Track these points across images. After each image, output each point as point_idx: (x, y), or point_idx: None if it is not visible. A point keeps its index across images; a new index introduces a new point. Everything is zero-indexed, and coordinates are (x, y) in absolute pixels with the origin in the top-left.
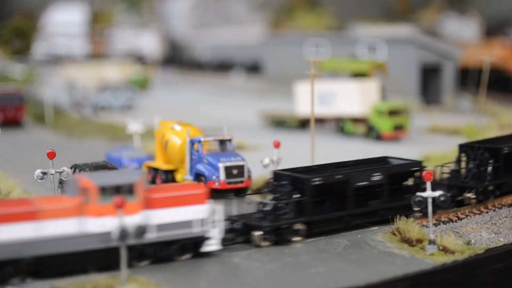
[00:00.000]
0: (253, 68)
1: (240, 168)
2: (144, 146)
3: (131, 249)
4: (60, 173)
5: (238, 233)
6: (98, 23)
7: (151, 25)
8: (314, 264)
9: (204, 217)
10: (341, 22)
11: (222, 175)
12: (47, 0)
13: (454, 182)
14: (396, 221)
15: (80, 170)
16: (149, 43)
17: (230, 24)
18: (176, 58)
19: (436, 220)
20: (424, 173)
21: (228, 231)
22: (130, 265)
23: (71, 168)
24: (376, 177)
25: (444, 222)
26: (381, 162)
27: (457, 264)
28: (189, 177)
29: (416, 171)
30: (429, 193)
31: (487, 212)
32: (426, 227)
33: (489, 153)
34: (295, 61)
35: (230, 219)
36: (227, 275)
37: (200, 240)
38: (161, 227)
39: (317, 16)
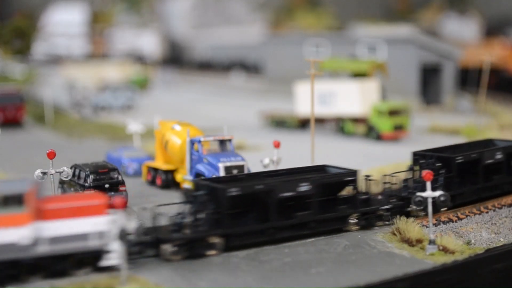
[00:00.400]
0: (253, 68)
1: (240, 168)
2: (144, 146)
3: (21, 263)
4: (60, 173)
5: (147, 246)
6: (98, 23)
7: (151, 25)
8: (314, 264)
9: (102, 229)
10: (341, 22)
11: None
12: (47, 0)
13: (401, 193)
14: (396, 221)
15: (80, 170)
16: (149, 43)
17: (230, 24)
18: (176, 58)
19: (436, 220)
20: (424, 173)
21: (135, 244)
22: (20, 280)
23: (71, 168)
24: (304, 187)
25: (444, 222)
26: (317, 171)
27: (457, 264)
28: (189, 177)
29: (351, 181)
30: (429, 193)
31: (487, 212)
32: (426, 227)
33: (441, 162)
34: (295, 61)
35: (141, 231)
36: (227, 275)
37: (98, 254)
38: (55, 240)
39: (317, 16)
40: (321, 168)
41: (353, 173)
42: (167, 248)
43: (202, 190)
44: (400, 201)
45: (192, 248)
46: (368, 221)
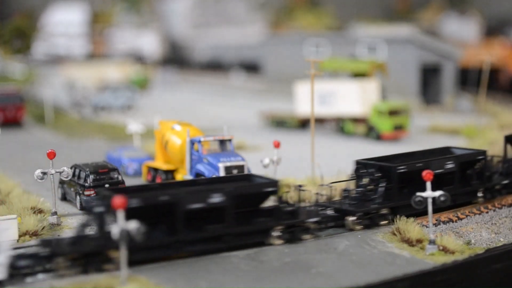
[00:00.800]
0: (253, 68)
1: (240, 168)
2: (144, 146)
3: None
4: (60, 173)
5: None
6: (98, 23)
7: (151, 25)
8: (314, 264)
9: None
10: (341, 22)
11: (222, 175)
12: (47, 0)
13: (339, 204)
14: (396, 222)
15: (80, 170)
16: (149, 43)
17: (230, 24)
18: (176, 58)
19: (436, 220)
20: (424, 173)
21: (23, 257)
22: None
23: (71, 168)
24: (216, 198)
25: (444, 222)
26: (241, 181)
27: (457, 264)
28: (189, 177)
29: (272, 192)
30: (429, 193)
31: (487, 212)
32: (426, 227)
33: (381, 172)
34: (295, 61)
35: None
36: (227, 275)
37: None
38: None
39: (317, 16)
40: (247, 177)
41: (274, 183)
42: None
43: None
44: (335, 212)
45: (86, 263)
46: (293, 235)
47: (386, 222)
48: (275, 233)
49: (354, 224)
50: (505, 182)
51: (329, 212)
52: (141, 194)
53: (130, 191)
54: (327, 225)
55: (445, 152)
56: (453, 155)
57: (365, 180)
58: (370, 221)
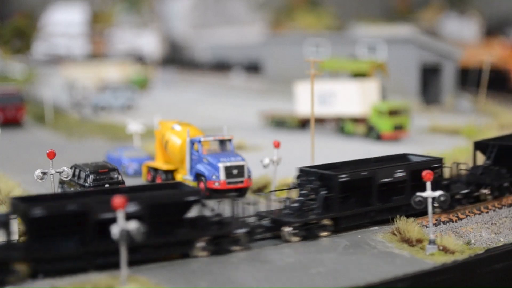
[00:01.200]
0: (253, 68)
1: (240, 168)
2: (144, 146)
3: None
4: (60, 173)
5: None
6: (98, 23)
7: (151, 25)
8: (314, 264)
9: None
10: (341, 22)
11: (222, 175)
12: (47, 0)
13: (277, 214)
14: (396, 222)
15: (80, 170)
16: (149, 43)
17: (230, 24)
18: (176, 58)
19: (436, 220)
20: (424, 173)
21: None
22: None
23: (71, 168)
24: (132, 207)
25: (444, 222)
26: (165, 189)
27: (457, 264)
28: (189, 177)
29: (194, 201)
30: (429, 193)
31: (487, 212)
32: (426, 227)
33: (323, 181)
34: (295, 61)
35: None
36: (227, 275)
37: None
38: None
39: (317, 16)
40: (175, 185)
41: (196, 192)
42: None
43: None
44: (272, 223)
45: None
46: (220, 246)
47: (326, 233)
48: (200, 244)
49: (290, 235)
50: (465, 191)
51: (265, 222)
52: (48, 203)
53: (39, 200)
54: (264, 236)
55: (402, 159)
56: (403, 163)
57: (307, 189)
58: (308, 232)
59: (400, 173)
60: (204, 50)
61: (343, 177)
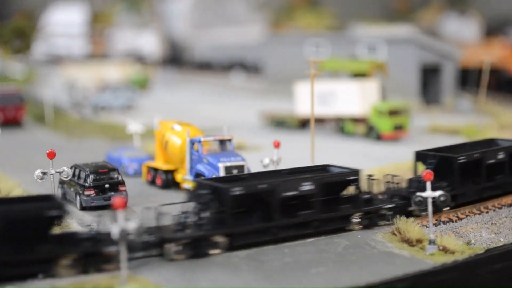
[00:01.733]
0: (253, 68)
1: (240, 168)
2: (144, 146)
3: None
4: (60, 173)
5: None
6: (98, 23)
7: (151, 25)
8: (314, 264)
9: None
10: (341, 22)
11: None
12: (47, 0)
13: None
14: (396, 222)
15: (80, 170)
16: (149, 43)
17: (230, 24)
18: (176, 58)
19: (436, 220)
20: (424, 173)
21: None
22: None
23: (71, 168)
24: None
25: (444, 222)
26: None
27: (457, 264)
28: (189, 177)
29: (56, 217)
30: (429, 193)
31: (487, 212)
32: (426, 227)
33: (216, 194)
34: (295, 61)
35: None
36: (227, 275)
37: None
38: None
39: (317, 16)
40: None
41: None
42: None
43: None
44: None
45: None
46: (89, 266)
47: (217, 251)
48: (66, 262)
49: (175, 253)
50: (389, 206)
51: (148, 238)
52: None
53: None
54: (145, 255)
55: (320, 171)
56: (313, 175)
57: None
58: (197, 250)
59: (307, 186)
60: (204, 50)
61: (237, 191)
